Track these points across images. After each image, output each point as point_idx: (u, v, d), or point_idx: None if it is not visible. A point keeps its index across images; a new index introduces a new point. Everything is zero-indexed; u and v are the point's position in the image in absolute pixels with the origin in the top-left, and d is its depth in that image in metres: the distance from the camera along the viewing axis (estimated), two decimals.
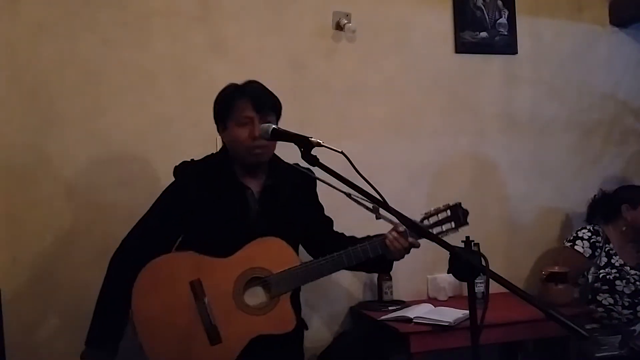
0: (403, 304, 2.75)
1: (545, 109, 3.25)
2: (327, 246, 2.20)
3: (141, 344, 1.99)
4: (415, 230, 1.98)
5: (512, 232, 3.17)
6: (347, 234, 2.38)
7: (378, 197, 1.60)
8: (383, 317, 2.56)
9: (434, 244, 1.51)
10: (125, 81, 2.64)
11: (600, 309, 2.83)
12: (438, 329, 2.40)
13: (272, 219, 2.15)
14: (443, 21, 3.10)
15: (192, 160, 2.24)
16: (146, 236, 2.13)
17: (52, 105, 2.56)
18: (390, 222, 1.78)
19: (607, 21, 3.36)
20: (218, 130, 2.23)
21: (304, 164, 1.73)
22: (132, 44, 2.66)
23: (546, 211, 3.23)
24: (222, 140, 2.23)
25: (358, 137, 2.90)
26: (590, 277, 2.86)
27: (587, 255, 2.89)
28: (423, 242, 2.08)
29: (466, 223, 2.18)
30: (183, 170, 2.20)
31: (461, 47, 3.11)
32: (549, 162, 3.24)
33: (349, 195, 1.64)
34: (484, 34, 3.15)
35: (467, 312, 1.53)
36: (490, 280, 1.42)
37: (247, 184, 2.17)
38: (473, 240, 2.27)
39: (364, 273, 2.88)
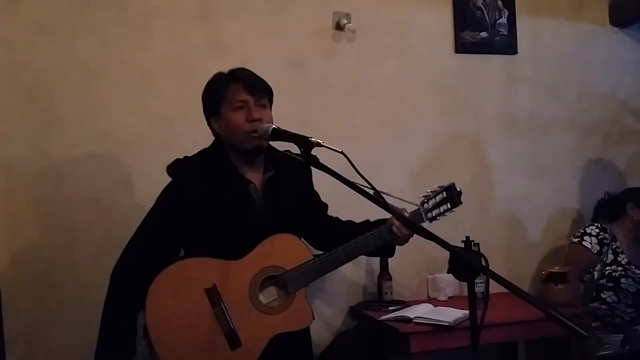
0: (403, 304, 2.74)
1: (545, 109, 3.25)
2: (325, 232, 2.18)
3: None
4: (418, 233, 1.96)
5: (512, 232, 3.17)
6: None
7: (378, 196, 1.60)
8: (383, 317, 2.55)
9: (434, 244, 1.50)
10: (125, 81, 2.64)
11: (604, 307, 2.83)
12: (438, 329, 2.40)
13: (277, 213, 2.11)
14: (443, 21, 3.10)
15: (185, 157, 2.14)
16: (150, 243, 2.03)
17: (52, 105, 2.56)
18: (394, 210, 1.77)
19: (607, 21, 3.36)
20: (209, 123, 2.16)
21: (294, 149, 1.71)
22: (132, 43, 2.66)
23: (546, 211, 3.23)
24: (215, 133, 2.17)
25: (358, 137, 2.90)
26: (596, 273, 2.86)
27: (595, 251, 2.89)
28: (423, 242, 2.07)
29: (460, 202, 2.26)
30: (179, 168, 2.10)
31: (461, 47, 3.11)
32: (549, 162, 3.24)
33: (351, 183, 1.60)
34: (484, 34, 3.15)
35: (467, 312, 1.53)
36: (490, 280, 1.42)
37: (248, 177, 2.11)
38: (473, 240, 2.30)
39: (363, 273, 2.88)
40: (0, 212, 2.49)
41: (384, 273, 2.81)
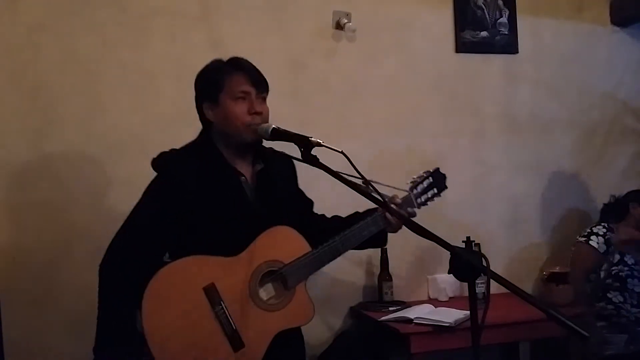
0: (403, 305, 2.74)
1: (545, 109, 3.25)
2: (312, 228, 2.12)
3: None
4: (418, 233, 1.95)
5: (512, 232, 3.17)
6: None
7: (378, 197, 1.59)
8: (383, 318, 2.55)
9: (434, 244, 1.50)
10: (125, 81, 2.64)
11: (610, 306, 2.83)
12: (438, 329, 2.40)
13: (269, 206, 2.04)
14: (443, 21, 3.10)
15: (171, 150, 2.03)
16: (139, 240, 1.93)
17: (52, 105, 2.56)
18: (385, 198, 1.76)
19: (608, 21, 3.36)
20: (200, 109, 2.05)
21: (294, 149, 1.70)
22: (132, 44, 2.66)
23: (546, 211, 3.23)
24: (206, 119, 2.04)
25: (358, 137, 2.90)
26: (602, 273, 2.85)
27: (602, 251, 2.88)
28: (423, 242, 2.07)
29: (446, 187, 2.22)
30: (166, 161, 1.99)
31: (461, 46, 3.11)
32: (549, 162, 3.24)
33: (352, 183, 1.58)
34: (484, 34, 3.14)
35: (468, 312, 1.53)
36: (491, 280, 1.42)
37: (239, 169, 2.03)
38: (474, 241, 2.30)
39: (363, 273, 2.88)
40: (0, 212, 2.49)
41: (384, 273, 2.81)
